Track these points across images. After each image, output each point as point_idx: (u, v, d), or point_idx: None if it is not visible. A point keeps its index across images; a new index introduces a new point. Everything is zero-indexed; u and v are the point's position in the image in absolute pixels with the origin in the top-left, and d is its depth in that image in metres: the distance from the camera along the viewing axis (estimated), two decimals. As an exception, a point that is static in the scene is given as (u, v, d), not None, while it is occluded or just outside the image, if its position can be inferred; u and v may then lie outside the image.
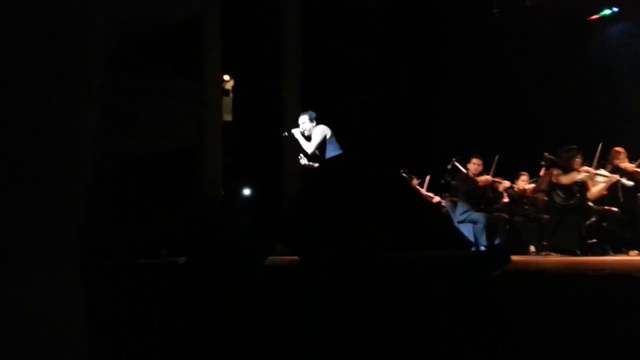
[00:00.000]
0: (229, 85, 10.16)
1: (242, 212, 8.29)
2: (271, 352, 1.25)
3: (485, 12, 9.44)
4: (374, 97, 9.32)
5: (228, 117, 9.90)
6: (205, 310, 1.61)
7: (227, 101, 10.03)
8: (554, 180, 5.93)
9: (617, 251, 5.80)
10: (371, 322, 1.31)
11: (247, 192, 9.66)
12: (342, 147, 4.75)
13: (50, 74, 0.31)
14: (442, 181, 7.59)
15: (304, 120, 5.07)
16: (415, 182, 7.19)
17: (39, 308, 0.30)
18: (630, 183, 5.91)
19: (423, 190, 7.29)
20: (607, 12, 9.32)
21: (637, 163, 6.03)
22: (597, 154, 6.14)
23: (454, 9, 9.45)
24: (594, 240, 5.62)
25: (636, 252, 5.72)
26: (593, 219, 5.68)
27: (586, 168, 6.01)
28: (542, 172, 6.59)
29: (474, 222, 6.21)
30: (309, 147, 4.90)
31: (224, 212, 4.03)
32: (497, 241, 6.12)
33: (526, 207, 6.89)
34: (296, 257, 3.28)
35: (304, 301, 1.59)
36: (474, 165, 6.47)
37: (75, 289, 0.33)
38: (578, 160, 5.89)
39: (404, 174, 6.97)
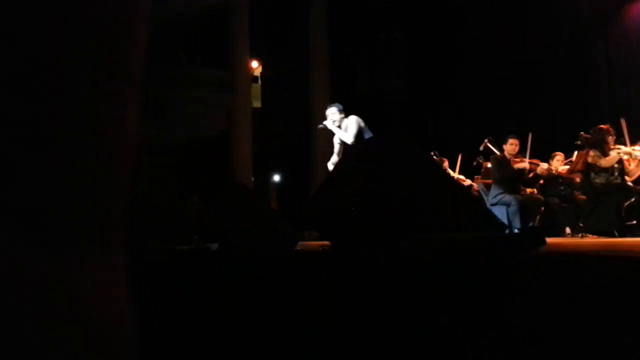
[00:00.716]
0: (258, 72, 10.18)
1: (272, 198, 8.35)
2: (301, 338, 1.26)
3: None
4: (404, 80, 9.22)
5: (257, 104, 9.94)
6: (235, 298, 1.63)
7: (256, 88, 10.06)
8: (590, 161, 5.77)
9: (658, 232, 5.63)
10: (403, 306, 1.31)
11: (276, 178, 9.72)
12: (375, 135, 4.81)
13: (99, 64, 0.32)
14: (475, 163, 7.48)
15: (333, 112, 5.10)
16: (446, 164, 7.11)
17: (88, 296, 0.30)
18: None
19: (455, 173, 7.21)
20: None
21: None
22: (625, 130, 5.93)
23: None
24: (634, 222, 5.47)
25: (678, 232, 5.54)
26: (632, 199, 5.52)
27: (620, 147, 5.83)
28: (575, 153, 6.42)
29: (507, 205, 6.11)
30: (348, 137, 4.93)
31: (254, 199, 4.07)
32: (531, 223, 6.02)
33: (562, 187, 6.73)
34: (327, 243, 3.29)
35: (335, 286, 1.59)
36: (511, 145, 6.32)
37: (122, 277, 0.33)
38: (611, 138, 5.71)
39: (435, 157, 6.89)
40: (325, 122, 5.12)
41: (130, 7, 0.32)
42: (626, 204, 5.47)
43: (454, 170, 7.25)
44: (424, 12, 9.09)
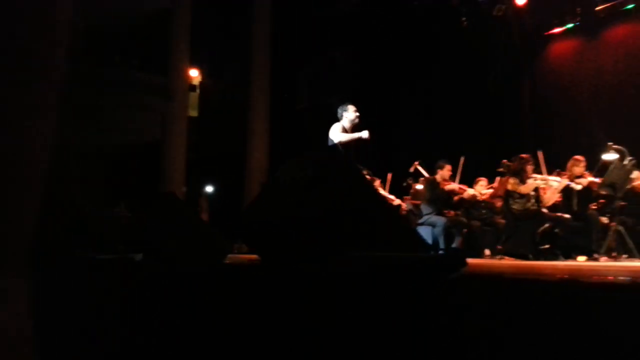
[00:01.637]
0: (196, 81, 10.03)
1: (203, 209, 8.21)
2: (221, 350, 1.26)
3: (454, 21, 9.64)
4: (343, 98, 9.39)
5: (194, 113, 9.78)
6: (156, 309, 1.60)
7: (194, 96, 9.90)
8: (510, 188, 6.11)
9: (567, 257, 6.02)
10: (327, 322, 1.33)
11: (209, 189, 9.58)
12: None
13: (9, 69, 0.32)
14: (404, 184, 7.71)
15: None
16: (377, 183, 7.29)
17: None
18: (579, 187, 6.13)
19: (384, 193, 7.40)
20: (570, 25, 9.66)
21: (593, 172, 6.27)
22: (542, 162, 6.40)
23: (424, 17, 9.60)
24: (547, 246, 5.82)
25: (585, 257, 5.95)
26: (546, 225, 5.88)
27: (538, 175, 6.24)
28: (497, 179, 6.79)
29: (433, 225, 6.35)
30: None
31: (184, 209, 3.99)
32: (454, 244, 6.27)
33: (483, 211, 7.07)
34: (256, 257, 3.28)
35: (261, 301, 1.60)
36: (446, 171, 6.64)
37: (23, 293, 0.34)
38: (530, 167, 6.11)
39: (367, 175, 7.04)
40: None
41: (50, 9, 0.32)
42: (540, 229, 5.82)
43: (383, 190, 7.45)
44: (367, 32, 9.34)
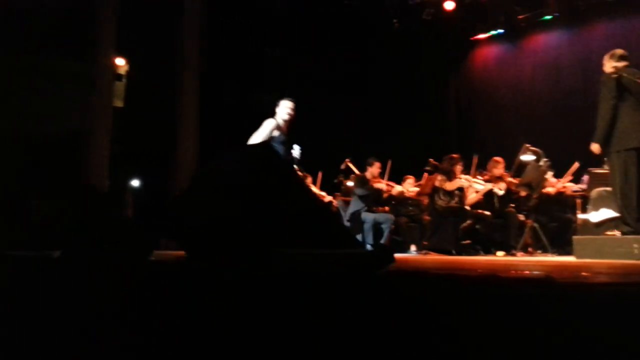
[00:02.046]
0: (122, 70, 9.61)
1: (127, 204, 7.91)
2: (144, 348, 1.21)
3: (386, 23, 9.82)
4: (274, 96, 9.32)
5: (119, 104, 9.37)
6: (76, 309, 1.51)
7: (120, 86, 9.48)
8: (437, 184, 6.33)
9: (487, 252, 6.32)
10: (254, 321, 1.31)
11: (135, 183, 9.23)
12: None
13: None
14: (335, 181, 7.79)
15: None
16: (309, 180, 7.32)
17: None
18: (501, 192, 6.47)
19: (316, 189, 7.44)
20: (493, 32, 10.12)
21: (511, 172, 6.61)
22: (474, 165, 6.73)
23: (357, 18, 9.70)
24: (468, 241, 6.08)
25: (503, 253, 6.28)
26: (468, 221, 6.14)
27: (465, 177, 6.51)
28: (425, 177, 7.02)
29: (363, 222, 6.45)
30: (258, 137, 4.87)
31: (108, 204, 3.82)
32: (382, 240, 6.42)
33: (410, 208, 7.28)
34: (183, 253, 3.19)
35: (186, 299, 1.55)
36: (376, 168, 6.77)
37: None
38: (459, 167, 6.37)
39: (299, 172, 7.05)
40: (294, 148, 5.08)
41: None
42: (463, 226, 6.08)
43: (315, 187, 7.49)
44: (300, 30, 9.32)
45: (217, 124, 8.28)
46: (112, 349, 1.26)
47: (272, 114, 5.01)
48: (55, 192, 6.24)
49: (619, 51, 4.67)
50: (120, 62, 9.16)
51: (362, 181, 6.75)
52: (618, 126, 4.43)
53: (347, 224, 6.47)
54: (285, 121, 5.05)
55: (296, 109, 5.19)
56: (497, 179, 6.54)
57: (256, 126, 4.96)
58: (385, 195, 7.00)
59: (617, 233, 4.50)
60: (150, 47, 8.76)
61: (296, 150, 5.07)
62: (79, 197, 3.90)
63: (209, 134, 8.30)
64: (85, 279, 2.14)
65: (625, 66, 4.61)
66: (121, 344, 1.28)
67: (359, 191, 6.70)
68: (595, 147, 4.68)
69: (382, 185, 6.82)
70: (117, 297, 1.69)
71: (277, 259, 2.38)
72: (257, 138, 4.78)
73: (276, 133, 4.91)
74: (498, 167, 6.58)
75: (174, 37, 8.85)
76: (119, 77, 9.33)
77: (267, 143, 4.94)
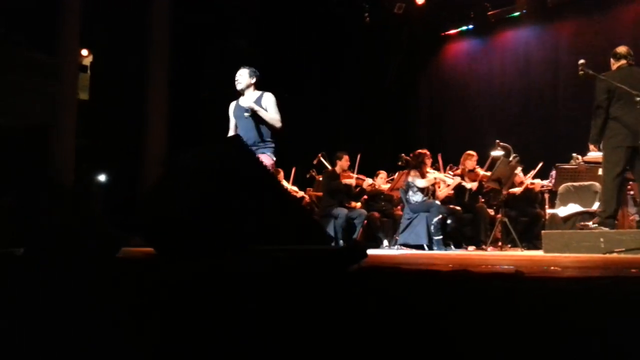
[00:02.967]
0: (87, 62, 9.35)
1: (94, 199, 7.74)
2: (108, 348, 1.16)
3: (357, 17, 9.80)
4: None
5: (84, 96, 9.12)
6: (39, 308, 1.45)
7: (85, 78, 9.23)
8: (410, 180, 6.36)
9: (458, 246, 6.39)
10: (226, 319, 1.27)
11: (102, 177, 9.02)
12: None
13: None
14: (308, 175, 7.76)
15: (242, 74, 4.40)
16: (281, 175, 7.27)
17: None
18: (470, 185, 6.54)
19: (288, 185, 7.40)
20: (463, 28, 10.21)
21: (484, 167, 6.69)
22: (440, 160, 6.81)
23: (328, 13, 9.65)
24: (440, 236, 6.13)
25: (474, 247, 6.35)
26: (439, 216, 6.19)
27: (435, 172, 6.58)
28: (397, 172, 7.05)
29: (335, 217, 6.44)
30: (276, 118, 4.30)
31: (73, 199, 3.71)
32: (355, 236, 6.42)
33: (382, 203, 7.30)
34: (152, 250, 3.12)
35: (155, 296, 1.50)
36: (345, 161, 6.75)
37: None
38: (429, 161, 6.42)
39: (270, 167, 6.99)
40: (248, 106, 4.28)
41: None
42: (434, 220, 6.12)
43: (287, 182, 7.44)
44: (270, 22, 9.22)
45: (187, 117, 8.15)
46: (76, 348, 1.21)
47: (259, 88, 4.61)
48: (19, 187, 6.04)
49: (620, 49, 4.73)
50: (85, 53, 8.92)
51: (332, 176, 6.73)
52: (614, 123, 4.50)
53: (320, 219, 6.45)
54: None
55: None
56: (470, 172, 6.62)
57: (225, 119, 4.82)
58: (357, 190, 7.00)
59: (590, 224, 4.59)
60: (117, 38, 8.54)
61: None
62: (44, 192, 3.78)
63: (179, 127, 8.15)
64: (50, 277, 2.07)
65: (623, 65, 4.66)
66: (86, 344, 1.23)
67: (327, 186, 6.69)
68: (591, 148, 4.79)
69: (352, 180, 6.81)
70: (83, 295, 1.63)
71: (247, 255, 2.34)
72: (277, 117, 4.37)
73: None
74: (471, 160, 6.67)
75: (141, 26, 8.64)
76: (83, 68, 9.08)
77: (238, 137, 4.85)
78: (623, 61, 4.66)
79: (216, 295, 1.45)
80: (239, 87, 4.40)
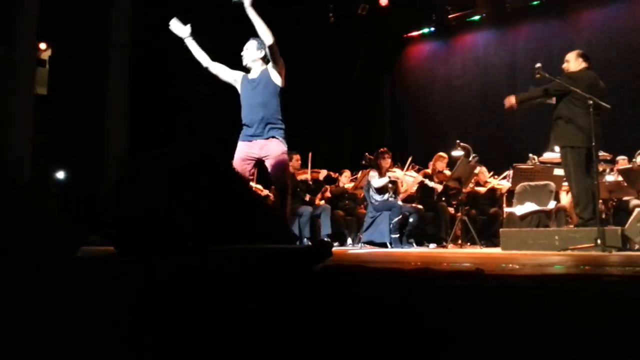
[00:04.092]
0: (46, 56, 9.06)
1: (53, 197, 7.53)
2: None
3: (322, 16, 9.81)
4: (211, 87, 9.10)
5: (42, 91, 8.84)
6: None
7: (43, 73, 8.94)
8: (369, 179, 6.44)
9: (420, 244, 6.51)
10: (188, 319, 1.27)
11: (60, 175, 8.77)
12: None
13: None
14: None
15: (249, 46, 4.07)
16: (296, 162, 7.25)
17: None
18: (434, 185, 6.68)
19: (253, 183, 7.36)
20: (425, 30, 10.38)
21: (453, 172, 6.84)
22: (409, 160, 6.91)
23: (292, 12, 9.63)
24: (397, 235, 6.23)
25: (435, 245, 6.48)
26: (400, 215, 6.29)
27: (396, 170, 6.68)
28: (360, 171, 7.12)
29: (299, 216, 6.46)
30: (270, 34, 3.88)
31: (30, 197, 3.59)
32: (321, 234, 6.45)
33: (347, 202, 7.36)
34: (112, 249, 3.07)
35: (115, 296, 1.49)
36: (295, 161, 6.77)
37: None
38: (389, 161, 6.51)
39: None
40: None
41: None
42: (396, 219, 6.22)
43: (252, 181, 7.40)
44: (232, 18, 9.12)
45: (149, 113, 8.00)
46: (32, 352, 1.19)
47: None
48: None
49: (581, 52, 4.90)
50: (43, 47, 8.65)
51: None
52: (573, 124, 4.64)
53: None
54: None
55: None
56: (439, 173, 6.76)
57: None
58: (313, 184, 7.03)
59: (570, 225, 4.73)
60: (77, 31, 8.30)
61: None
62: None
63: (141, 125, 8.00)
64: (5, 277, 2.01)
65: (583, 68, 4.82)
66: (42, 347, 1.21)
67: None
68: (511, 100, 4.95)
69: (306, 175, 6.85)
70: (39, 296, 1.59)
71: (210, 254, 2.33)
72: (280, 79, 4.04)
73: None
74: (442, 161, 6.83)
75: (103, 20, 8.43)
76: (41, 63, 8.81)
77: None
78: (584, 64, 4.83)
79: (178, 294, 1.45)
80: (244, 62, 4.06)
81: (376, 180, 6.33)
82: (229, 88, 4.37)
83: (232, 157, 4.24)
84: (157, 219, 2.79)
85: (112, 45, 8.37)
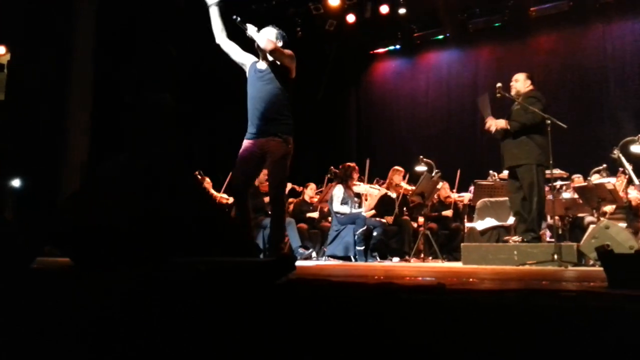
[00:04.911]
0: (4, 60, 8.78)
1: (7, 205, 7.27)
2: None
3: (289, 31, 9.84)
4: (172, 94, 8.97)
5: (0, 96, 8.56)
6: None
7: (1, 77, 8.66)
8: (334, 192, 6.47)
9: (384, 257, 6.55)
10: (145, 332, 1.24)
11: (16, 183, 8.48)
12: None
13: None
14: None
15: (270, 33, 3.96)
16: (208, 183, 7.15)
17: None
18: (395, 195, 6.76)
19: (219, 194, 7.28)
20: (391, 47, 10.56)
21: (416, 187, 6.93)
22: (367, 170, 6.99)
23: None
24: (362, 247, 6.26)
25: (398, 258, 6.53)
26: (364, 227, 6.32)
27: (361, 184, 6.73)
28: (326, 184, 7.14)
29: (264, 228, 6.41)
30: (287, 57, 3.74)
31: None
32: (292, 246, 6.41)
33: (309, 214, 7.36)
34: (68, 260, 2.97)
35: (71, 309, 1.44)
36: (263, 175, 6.75)
37: None
38: (355, 175, 6.56)
39: (198, 175, 6.86)
40: (248, 25, 3.82)
41: None
42: (360, 232, 6.25)
43: (219, 191, 7.33)
44: (199, 30, 9.05)
45: (110, 121, 7.82)
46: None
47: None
48: None
49: (528, 73, 5.06)
50: (2, 51, 8.40)
51: (252, 194, 6.71)
52: (535, 143, 4.76)
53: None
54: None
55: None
56: (396, 186, 6.84)
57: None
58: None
59: (517, 239, 4.80)
60: (37, 35, 8.08)
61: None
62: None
63: (102, 132, 7.82)
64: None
65: (533, 89, 4.98)
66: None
67: (251, 198, 6.65)
68: (502, 124, 4.96)
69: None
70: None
71: (169, 267, 2.28)
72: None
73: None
74: (399, 175, 6.90)
75: (63, 22, 8.23)
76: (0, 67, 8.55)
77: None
78: (531, 86, 5.03)
79: (135, 307, 1.41)
80: (257, 44, 3.86)
81: (337, 203, 6.38)
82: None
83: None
84: (113, 229, 2.72)
85: (74, 48, 8.18)
